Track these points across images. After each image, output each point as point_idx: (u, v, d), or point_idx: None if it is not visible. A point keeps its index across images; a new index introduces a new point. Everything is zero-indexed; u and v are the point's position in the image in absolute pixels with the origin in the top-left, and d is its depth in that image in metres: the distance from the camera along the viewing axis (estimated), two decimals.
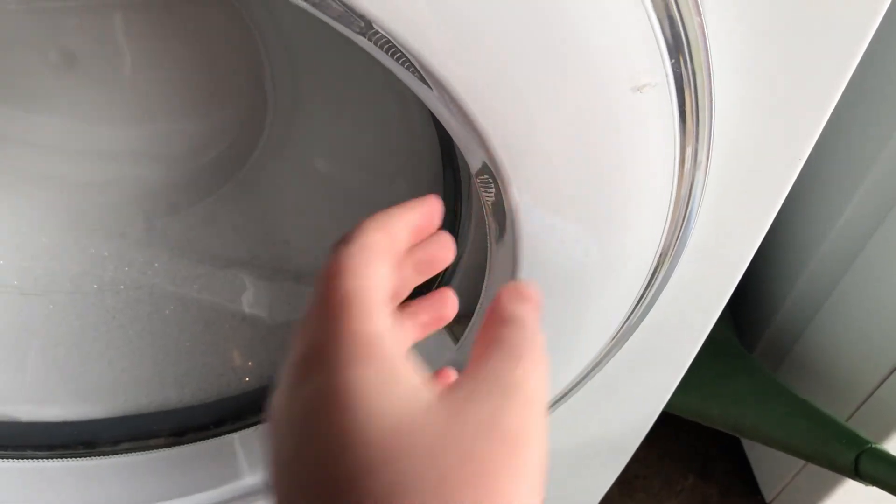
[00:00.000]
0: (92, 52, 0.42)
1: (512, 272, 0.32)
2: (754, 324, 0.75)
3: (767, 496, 0.82)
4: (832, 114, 0.34)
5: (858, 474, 0.53)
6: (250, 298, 0.49)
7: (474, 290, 0.39)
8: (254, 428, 0.48)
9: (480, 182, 0.29)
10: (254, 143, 0.46)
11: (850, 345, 0.63)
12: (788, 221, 0.65)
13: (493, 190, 0.29)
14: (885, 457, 0.52)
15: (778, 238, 0.65)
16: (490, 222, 0.30)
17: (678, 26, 0.25)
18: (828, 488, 0.69)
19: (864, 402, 0.61)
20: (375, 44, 0.23)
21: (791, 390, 0.62)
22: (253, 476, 0.46)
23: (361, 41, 0.23)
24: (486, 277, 0.35)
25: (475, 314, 0.39)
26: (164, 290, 0.50)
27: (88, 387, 0.49)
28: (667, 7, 0.25)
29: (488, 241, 0.31)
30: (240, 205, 0.49)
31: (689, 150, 0.34)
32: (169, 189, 0.50)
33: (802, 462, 0.73)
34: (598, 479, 0.66)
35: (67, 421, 0.48)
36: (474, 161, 0.29)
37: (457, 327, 0.42)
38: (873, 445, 0.53)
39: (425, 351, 0.43)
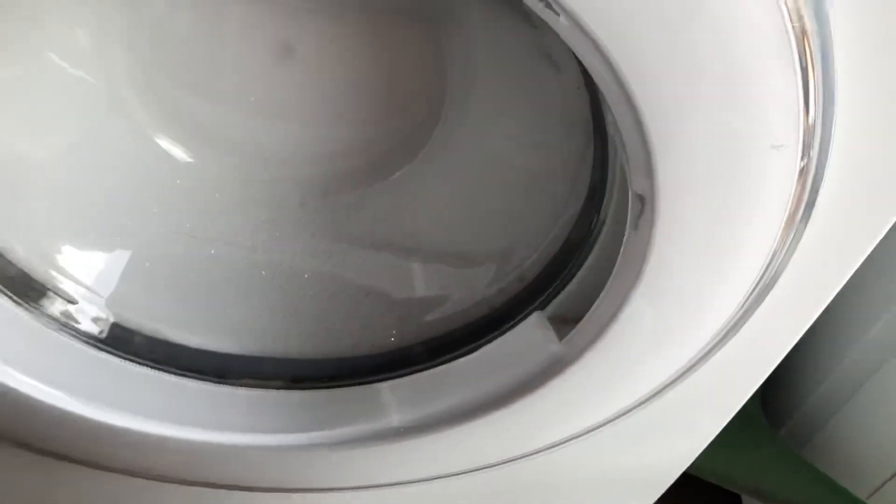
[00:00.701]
0: (310, 50, 0.52)
1: (638, 270, 0.40)
2: (783, 405, 0.82)
3: None
4: None
5: None
6: (378, 275, 0.58)
7: (589, 295, 0.47)
8: (360, 387, 0.55)
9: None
10: (415, 152, 0.55)
11: (874, 438, 0.70)
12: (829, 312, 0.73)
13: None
14: None
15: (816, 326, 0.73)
16: (633, 193, 0.37)
17: (821, 104, 0.34)
18: None
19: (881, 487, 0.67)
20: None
21: (811, 463, 0.69)
22: (346, 428, 0.53)
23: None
24: (611, 275, 0.42)
25: (585, 319, 0.47)
26: (305, 258, 0.58)
27: (228, 325, 0.57)
28: (813, 85, 0.34)
29: (628, 221, 0.38)
30: (385, 196, 0.58)
31: (792, 230, 0.42)
32: (326, 177, 0.59)
33: None
34: None
35: (206, 350, 0.56)
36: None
37: (563, 328, 0.49)
38: None
39: (528, 345, 0.51)
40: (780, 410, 0.82)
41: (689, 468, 0.66)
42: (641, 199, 0.38)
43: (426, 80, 0.52)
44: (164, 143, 0.55)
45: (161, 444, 0.52)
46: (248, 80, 0.53)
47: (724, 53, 0.32)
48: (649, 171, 0.36)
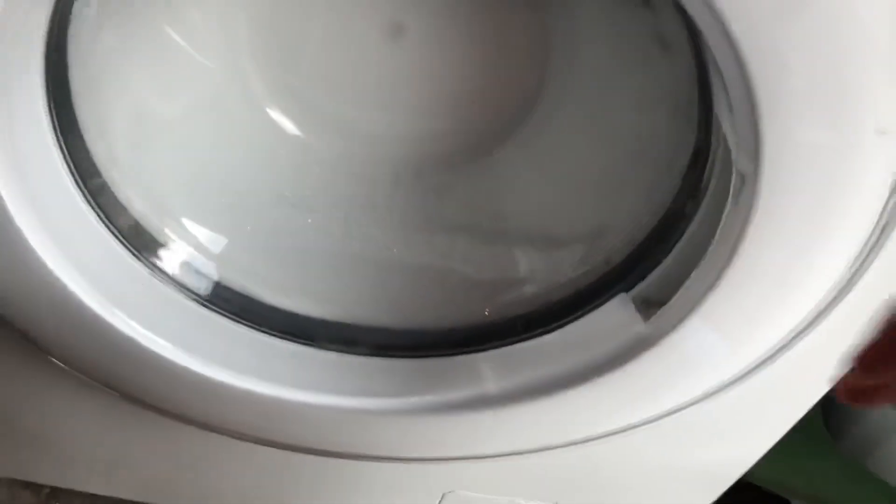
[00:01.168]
0: (419, 31, 0.54)
1: (733, 251, 0.41)
2: (845, 415, 0.82)
3: None
4: None
5: None
6: (462, 256, 0.60)
7: (675, 280, 0.48)
8: (440, 358, 0.57)
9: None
10: (510, 136, 0.58)
11: None
12: None
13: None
14: None
15: None
16: (737, 171, 0.38)
17: None
18: None
19: None
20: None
21: (875, 475, 0.69)
22: (428, 396, 0.55)
23: None
24: (704, 257, 0.44)
25: (674, 298, 0.48)
26: (395, 234, 0.61)
27: (318, 290, 0.59)
28: None
29: (729, 197, 0.40)
30: (476, 179, 0.60)
31: (883, 222, 0.42)
32: (419, 158, 0.62)
33: None
34: None
35: (297, 313, 0.59)
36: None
37: (647, 311, 0.51)
38: None
39: (613, 325, 0.53)
40: (842, 420, 0.82)
41: (746, 474, 0.66)
42: (744, 177, 0.39)
43: (530, 63, 0.55)
44: (276, 115, 0.58)
45: (250, 398, 0.55)
46: (359, 59, 0.56)
47: (838, 39, 0.34)
48: (756, 153, 0.37)
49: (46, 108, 0.45)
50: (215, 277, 0.56)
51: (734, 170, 0.40)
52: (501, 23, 0.53)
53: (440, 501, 0.70)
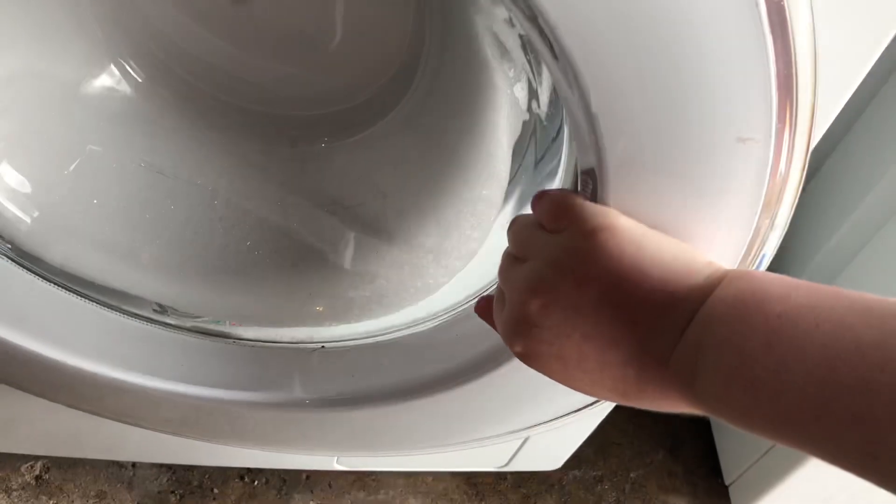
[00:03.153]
0: None
1: None
2: None
3: (727, 479, 0.92)
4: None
5: None
6: (335, 242, 0.55)
7: None
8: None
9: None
10: (387, 110, 0.52)
11: None
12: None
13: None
14: None
15: None
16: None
17: (794, 101, 0.30)
18: (779, 477, 0.78)
19: None
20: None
21: None
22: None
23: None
24: None
25: None
26: (266, 210, 0.56)
27: (177, 266, 0.55)
28: (788, 81, 0.29)
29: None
30: (357, 154, 0.55)
31: (765, 220, 0.37)
32: (294, 125, 0.56)
33: (761, 452, 0.82)
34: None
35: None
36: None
37: None
38: None
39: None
40: None
41: None
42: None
43: (409, 27, 0.48)
44: (125, 68, 0.52)
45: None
46: (219, 16, 0.49)
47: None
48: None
49: None
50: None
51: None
52: None
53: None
